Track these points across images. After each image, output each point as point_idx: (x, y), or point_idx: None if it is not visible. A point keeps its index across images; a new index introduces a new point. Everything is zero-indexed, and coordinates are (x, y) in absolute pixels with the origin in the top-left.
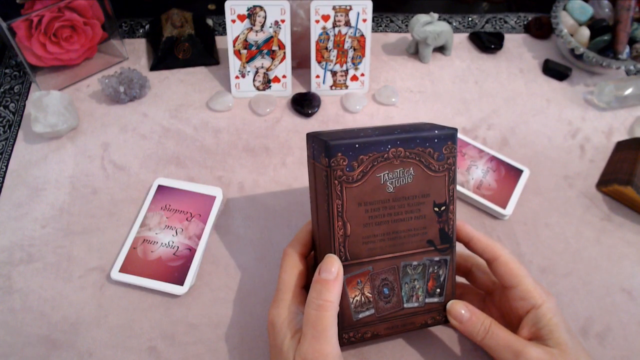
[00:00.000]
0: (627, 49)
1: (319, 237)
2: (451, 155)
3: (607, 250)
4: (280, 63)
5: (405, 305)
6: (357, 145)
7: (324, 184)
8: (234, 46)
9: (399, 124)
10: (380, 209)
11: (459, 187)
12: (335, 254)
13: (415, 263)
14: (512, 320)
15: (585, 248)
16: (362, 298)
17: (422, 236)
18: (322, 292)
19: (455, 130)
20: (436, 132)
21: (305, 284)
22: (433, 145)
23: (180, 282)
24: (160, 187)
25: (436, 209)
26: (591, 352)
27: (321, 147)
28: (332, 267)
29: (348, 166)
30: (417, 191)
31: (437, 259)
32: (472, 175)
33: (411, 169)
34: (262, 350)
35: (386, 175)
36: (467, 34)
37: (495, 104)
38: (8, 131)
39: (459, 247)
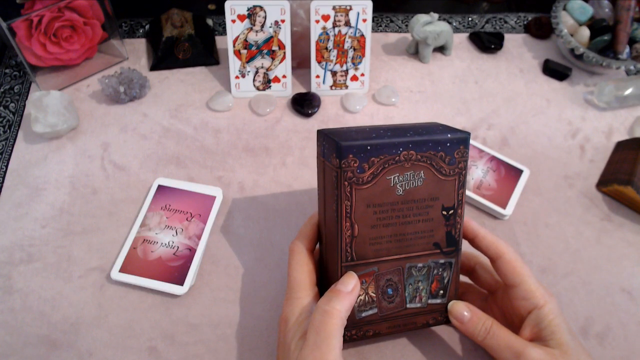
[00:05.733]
0: (627, 49)
1: (326, 235)
2: (462, 159)
3: (607, 250)
4: (280, 63)
5: (408, 306)
6: (368, 147)
7: (334, 185)
8: (234, 46)
9: (410, 124)
10: (388, 211)
11: None
12: (341, 253)
13: (420, 265)
14: (513, 320)
15: (585, 248)
16: (366, 297)
17: (428, 239)
18: (332, 299)
19: (468, 134)
20: (449, 135)
21: (315, 281)
22: (445, 149)
23: (180, 282)
24: (160, 187)
25: (444, 212)
26: (591, 352)
27: (332, 147)
28: (350, 282)
29: (359, 168)
30: (427, 194)
31: (442, 261)
32: (472, 175)
33: (422, 172)
34: (262, 351)
35: (396, 177)
36: (467, 34)
37: (495, 104)
38: (8, 131)
39: (464, 245)
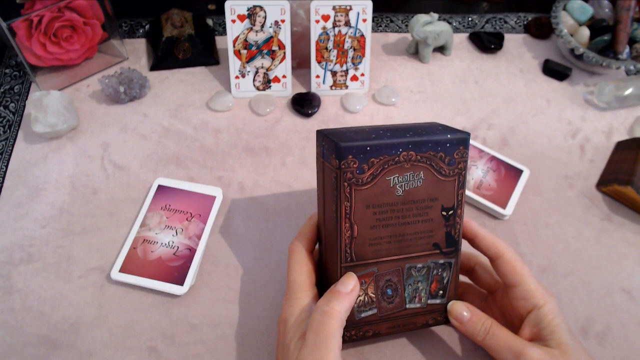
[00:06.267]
0: (627, 49)
1: (325, 235)
2: (462, 160)
3: (607, 250)
4: (280, 63)
5: (407, 306)
6: (368, 148)
7: (333, 185)
8: (234, 46)
9: (410, 124)
10: (388, 212)
11: None
12: (341, 254)
13: (419, 265)
14: (513, 320)
15: (585, 248)
16: (366, 298)
17: (428, 239)
18: (331, 300)
19: (468, 134)
20: (448, 136)
21: (315, 281)
22: (445, 149)
23: (180, 282)
24: (160, 187)
25: (444, 213)
26: (591, 352)
27: (332, 147)
28: (349, 283)
29: (358, 169)
30: (426, 195)
31: (441, 261)
32: (472, 175)
33: (421, 172)
34: (262, 351)
35: (396, 178)
36: (467, 34)
37: (495, 104)
38: (8, 131)
39: (463, 245)
